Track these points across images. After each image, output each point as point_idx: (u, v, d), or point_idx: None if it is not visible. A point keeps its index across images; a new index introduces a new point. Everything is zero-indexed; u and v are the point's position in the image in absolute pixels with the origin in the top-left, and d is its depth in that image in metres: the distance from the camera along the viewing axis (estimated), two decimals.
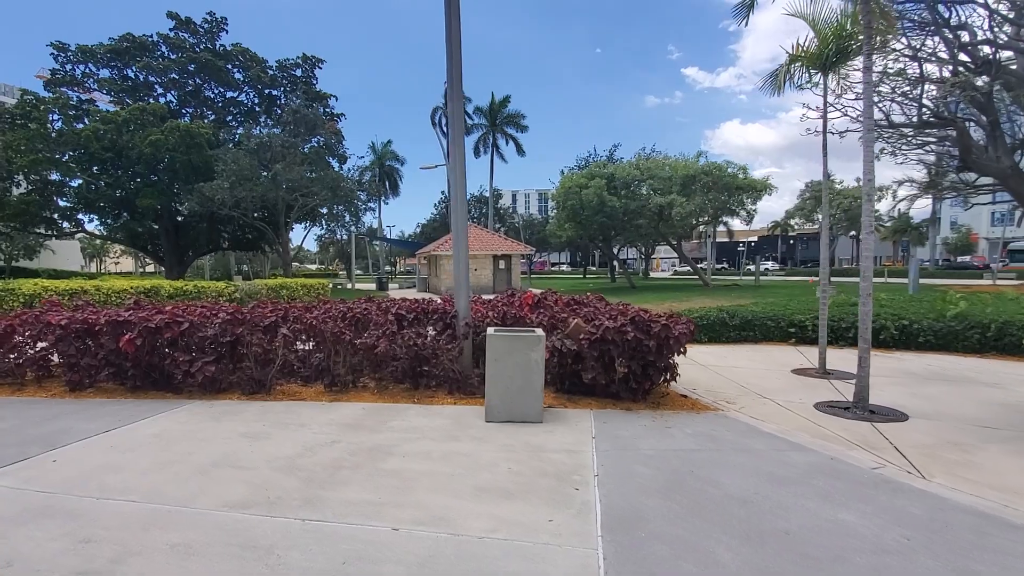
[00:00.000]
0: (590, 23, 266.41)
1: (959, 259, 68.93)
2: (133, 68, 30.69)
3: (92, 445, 4.41)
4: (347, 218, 33.60)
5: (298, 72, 32.43)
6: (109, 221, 32.30)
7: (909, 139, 20.65)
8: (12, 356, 6.36)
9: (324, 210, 31.70)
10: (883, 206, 38.65)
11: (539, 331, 5.60)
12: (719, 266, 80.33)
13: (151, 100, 30.21)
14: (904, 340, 10.21)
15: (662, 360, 6.06)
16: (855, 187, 36.37)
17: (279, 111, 34.51)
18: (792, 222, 45.89)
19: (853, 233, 64.39)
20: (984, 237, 72.89)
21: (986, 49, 15.18)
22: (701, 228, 39.12)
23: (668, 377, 6.27)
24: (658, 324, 5.97)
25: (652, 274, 62.56)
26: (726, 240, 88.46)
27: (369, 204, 29.40)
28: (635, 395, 6.15)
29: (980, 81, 14.71)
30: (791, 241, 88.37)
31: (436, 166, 18.32)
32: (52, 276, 26.22)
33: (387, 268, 67.65)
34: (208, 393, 6.10)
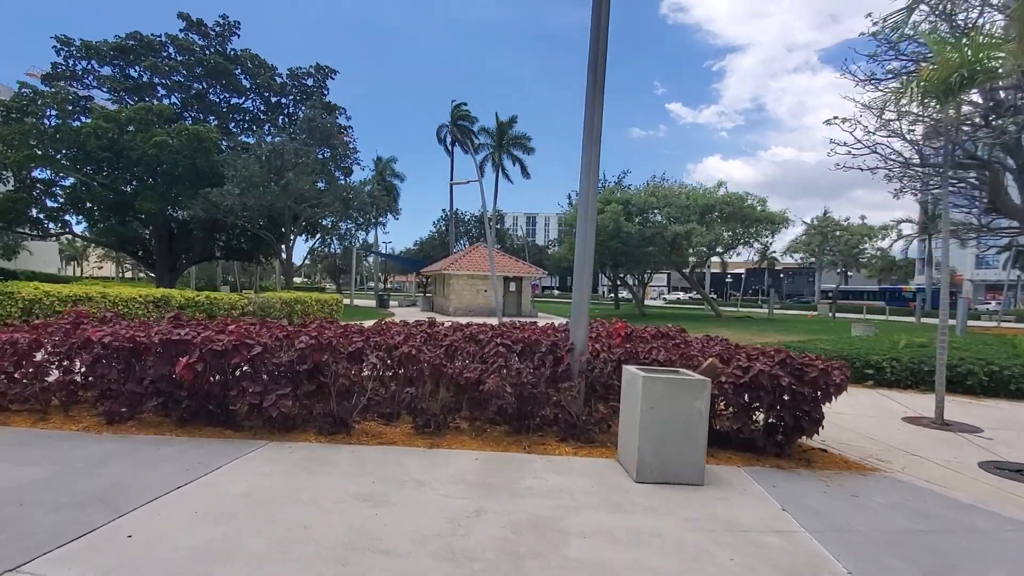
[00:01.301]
0: (579, 57, 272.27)
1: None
2: (137, 67, 29.60)
3: (170, 509, 3.35)
4: (345, 230, 32.57)
5: (310, 81, 31.66)
6: (99, 224, 30.70)
7: (938, 179, 20.42)
8: (34, 377, 5.23)
9: (327, 221, 30.63)
10: (885, 244, 38.97)
11: (694, 374, 4.72)
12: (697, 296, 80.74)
13: (154, 101, 29.07)
14: (993, 387, 9.56)
15: (817, 411, 5.21)
16: (860, 224, 36.62)
17: (284, 119, 33.62)
18: (796, 256, 45.98)
19: (840, 270, 65.36)
20: (968, 279, 74.45)
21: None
22: (693, 259, 38.96)
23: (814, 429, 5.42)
24: (814, 369, 5.15)
25: (646, 302, 62.17)
26: (717, 271, 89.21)
27: (380, 218, 28.44)
28: (781, 449, 5.28)
29: (1011, 125, 14.54)
30: (780, 275, 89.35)
31: (468, 181, 17.48)
32: (30, 278, 24.53)
33: (381, 285, 66.18)
34: (277, 432, 5.05)
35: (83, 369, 5.29)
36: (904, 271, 73.37)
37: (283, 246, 26.60)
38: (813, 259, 42.49)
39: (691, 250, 31.90)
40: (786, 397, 5.15)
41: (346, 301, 39.80)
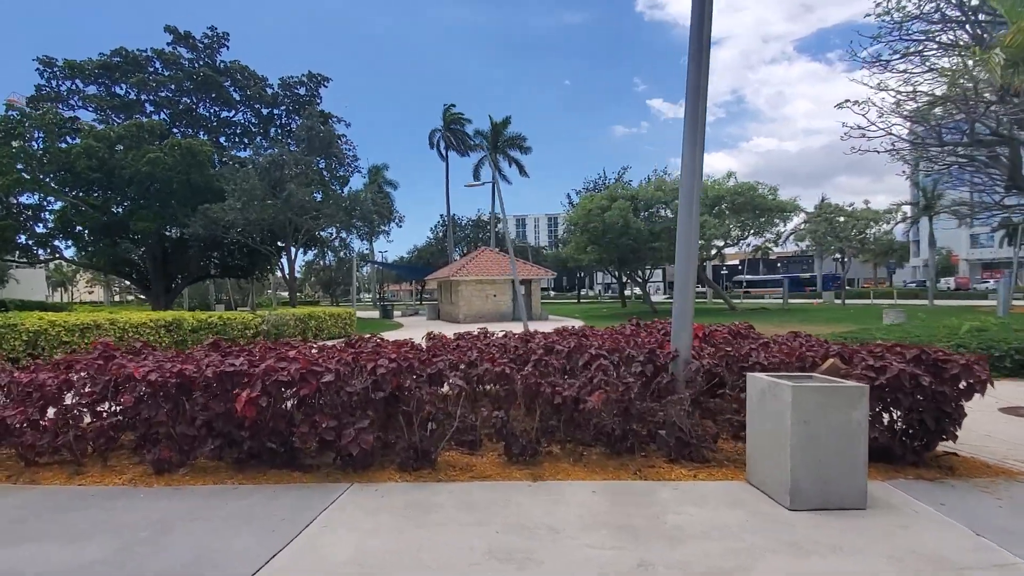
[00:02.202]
0: (559, 56, 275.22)
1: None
2: (123, 85, 28.69)
3: None
4: (341, 240, 31.97)
5: (302, 91, 30.88)
6: (89, 247, 29.70)
7: (955, 158, 20.06)
8: (65, 424, 4.51)
9: (327, 232, 29.89)
10: (888, 227, 38.83)
11: (844, 380, 4.12)
12: (701, 289, 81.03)
13: (142, 118, 28.18)
14: None
15: (959, 411, 4.64)
16: (864, 209, 36.41)
17: (276, 131, 32.82)
18: (803, 244, 45.54)
19: (838, 256, 65.35)
20: (964, 259, 74.94)
21: None
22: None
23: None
24: (954, 365, 4.58)
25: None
26: (716, 263, 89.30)
27: (383, 227, 27.73)
28: (918, 456, 4.70)
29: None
30: (777, 264, 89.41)
31: (483, 183, 16.89)
32: (19, 307, 23.57)
33: (379, 295, 65.23)
34: (352, 470, 4.38)
35: (119, 410, 4.59)
36: (899, 254, 73.78)
37: (285, 260, 25.79)
38: (815, 246, 42.08)
39: (705, 242, 31.53)
40: (925, 398, 4.58)
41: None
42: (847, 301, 38.92)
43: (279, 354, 4.53)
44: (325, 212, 23.13)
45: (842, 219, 35.37)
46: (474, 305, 27.29)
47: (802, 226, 41.88)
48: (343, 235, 28.23)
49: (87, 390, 4.61)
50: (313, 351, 5.18)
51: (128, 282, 36.25)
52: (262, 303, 60.73)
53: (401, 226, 44.54)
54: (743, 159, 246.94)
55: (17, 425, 4.39)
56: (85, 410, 4.58)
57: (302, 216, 22.91)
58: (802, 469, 3.76)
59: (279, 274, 28.01)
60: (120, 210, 27.46)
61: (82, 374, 4.85)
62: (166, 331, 11.95)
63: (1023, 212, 21.31)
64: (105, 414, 4.68)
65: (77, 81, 27.16)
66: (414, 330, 22.74)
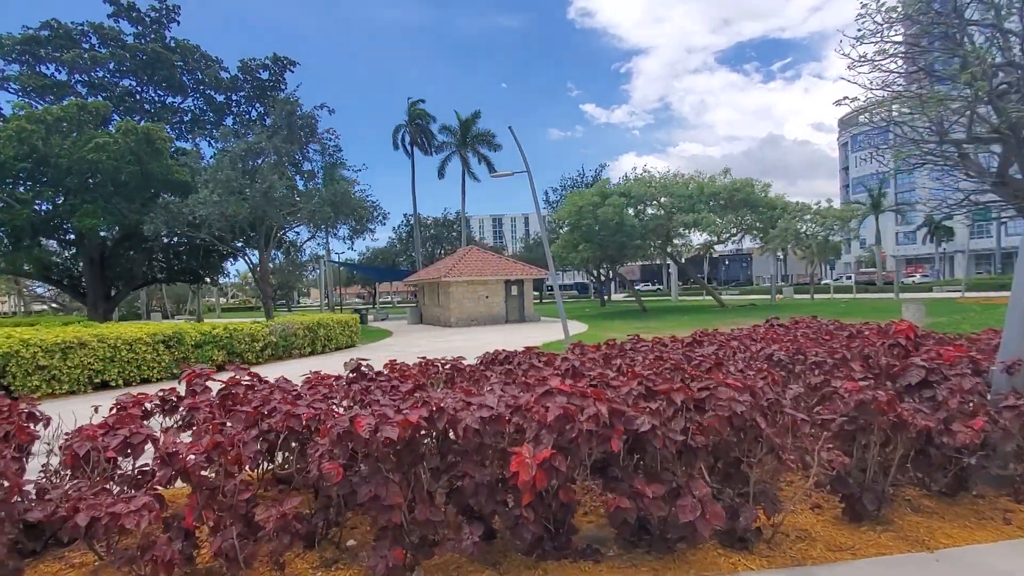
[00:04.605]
0: (496, 61, 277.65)
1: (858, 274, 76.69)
2: (51, 63, 24.72)
3: None
4: (326, 238, 29.39)
5: (265, 75, 27.95)
6: (5, 250, 25.41)
7: (949, 156, 20.73)
8: (222, 521, 2.80)
9: (296, 230, 27.25)
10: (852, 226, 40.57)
11: None
12: (653, 288, 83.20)
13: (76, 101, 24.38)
14: None
15: None
16: (828, 208, 37.84)
17: (232, 119, 29.62)
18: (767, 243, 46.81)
19: (781, 254, 68.57)
20: (891, 255, 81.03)
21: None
22: (674, 248, 38.91)
23: None
24: None
25: (615, 296, 62.01)
26: (659, 262, 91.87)
27: (371, 225, 25.49)
28: None
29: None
30: (726, 263, 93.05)
31: (513, 173, 15.40)
32: None
33: (335, 297, 61.44)
34: (656, 552, 3.00)
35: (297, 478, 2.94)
36: (835, 251, 78.79)
37: (258, 260, 23.07)
38: (776, 244, 43.45)
39: (680, 240, 31.58)
40: None
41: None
42: (801, 296, 40.70)
43: (574, 389, 3.03)
44: (307, 207, 20.76)
45: (808, 217, 36.57)
46: (466, 308, 25.67)
47: (778, 224, 43.09)
48: (320, 233, 25.73)
49: (240, 454, 2.91)
50: (576, 380, 3.69)
51: (58, 289, 31.74)
52: (194, 311, 55.38)
53: (385, 224, 41.53)
54: (672, 163, 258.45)
55: (132, 527, 2.64)
56: (246, 490, 2.88)
57: (281, 211, 20.44)
58: None
59: (257, 276, 24.97)
60: (49, 206, 23.65)
61: (236, 432, 3.13)
62: (165, 348, 9.64)
63: (996, 208, 22.48)
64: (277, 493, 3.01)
65: None
66: (412, 336, 20.85)
